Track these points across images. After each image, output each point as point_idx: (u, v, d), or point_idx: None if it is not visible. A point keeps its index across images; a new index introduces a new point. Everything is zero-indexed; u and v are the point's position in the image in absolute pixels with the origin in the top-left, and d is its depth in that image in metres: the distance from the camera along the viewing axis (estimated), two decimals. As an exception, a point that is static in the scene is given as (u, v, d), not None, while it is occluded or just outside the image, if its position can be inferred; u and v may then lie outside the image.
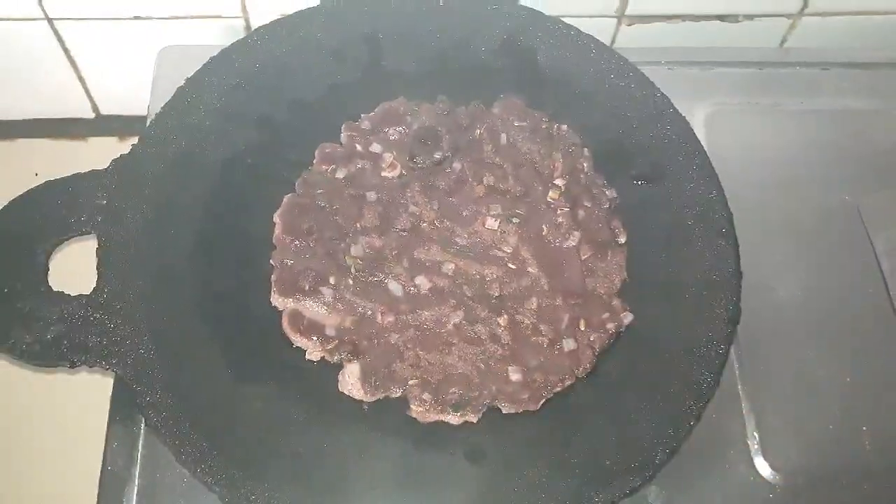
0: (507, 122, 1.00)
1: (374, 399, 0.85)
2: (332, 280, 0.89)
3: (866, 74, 1.19)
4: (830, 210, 1.07)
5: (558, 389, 0.86)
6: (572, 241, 0.93)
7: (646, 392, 0.85)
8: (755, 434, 0.92)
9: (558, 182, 0.97)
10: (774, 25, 1.23)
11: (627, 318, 0.90)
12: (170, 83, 0.98)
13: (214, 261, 0.90)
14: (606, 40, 1.19)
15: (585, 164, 0.99)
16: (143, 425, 0.89)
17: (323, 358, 0.87)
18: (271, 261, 0.90)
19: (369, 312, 0.88)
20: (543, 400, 0.85)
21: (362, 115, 0.99)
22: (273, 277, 0.90)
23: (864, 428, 0.94)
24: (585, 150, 0.99)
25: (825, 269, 1.03)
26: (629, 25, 1.21)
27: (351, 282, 0.90)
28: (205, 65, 0.98)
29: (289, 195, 0.94)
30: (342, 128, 0.98)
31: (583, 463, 0.81)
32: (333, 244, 0.92)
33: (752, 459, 0.91)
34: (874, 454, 0.92)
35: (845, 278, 1.03)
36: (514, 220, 0.94)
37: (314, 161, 0.97)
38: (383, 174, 0.96)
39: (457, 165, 0.97)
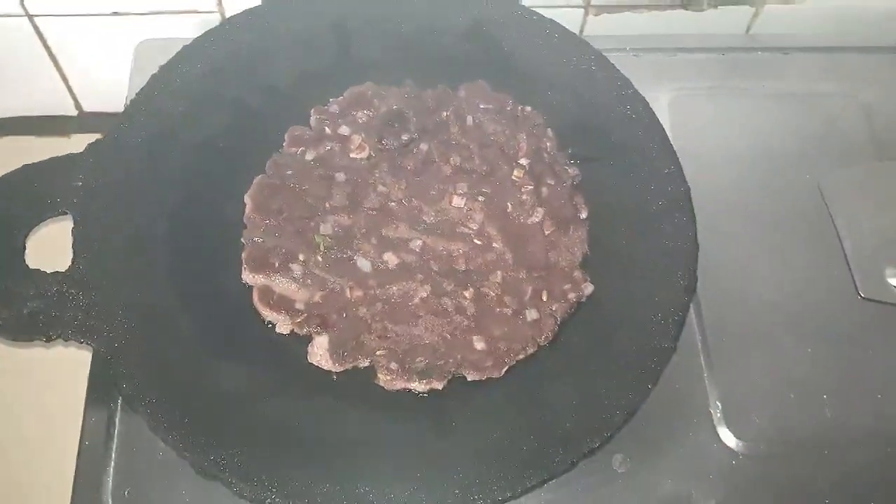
0: (473, 105, 1.02)
1: (342, 369, 0.87)
2: (301, 257, 0.92)
3: (828, 58, 1.21)
4: (794, 192, 1.09)
5: (521, 357, 0.88)
6: (536, 218, 0.96)
7: (606, 358, 0.87)
8: (718, 403, 0.94)
9: (523, 161, 0.99)
10: (739, 13, 1.25)
11: (588, 288, 0.93)
12: (147, 76, 1.00)
13: (188, 240, 0.93)
14: (575, 30, 1.21)
15: (549, 144, 1.01)
16: (120, 401, 0.91)
17: (293, 331, 0.89)
18: (242, 239, 0.93)
19: (338, 287, 0.91)
20: (506, 367, 0.88)
21: (331, 100, 1.02)
22: (243, 255, 0.92)
23: (825, 396, 0.95)
24: (549, 130, 1.02)
25: (789, 247, 1.05)
26: (596, 15, 1.23)
27: (320, 258, 0.92)
28: (178, 53, 1.01)
29: (259, 176, 0.96)
30: (311, 111, 1.01)
31: (544, 426, 0.83)
32: (303, 223, 0.94)
33: (715, 428, 0.93)
34: (835, 422, 0.94)
35: (808, 256, 1.05)
36: (480, 198, 0.97)
37: (284, 144, 0.99)
38: (352, 156, 0.99)
39: (424, 146, 0.99)
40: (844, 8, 1.25)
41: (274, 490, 0.79)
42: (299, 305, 0.90)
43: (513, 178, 0.98)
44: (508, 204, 0.97)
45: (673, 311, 0.88)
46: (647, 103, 1.00)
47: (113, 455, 0.89)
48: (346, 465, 0.82)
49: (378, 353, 0.88)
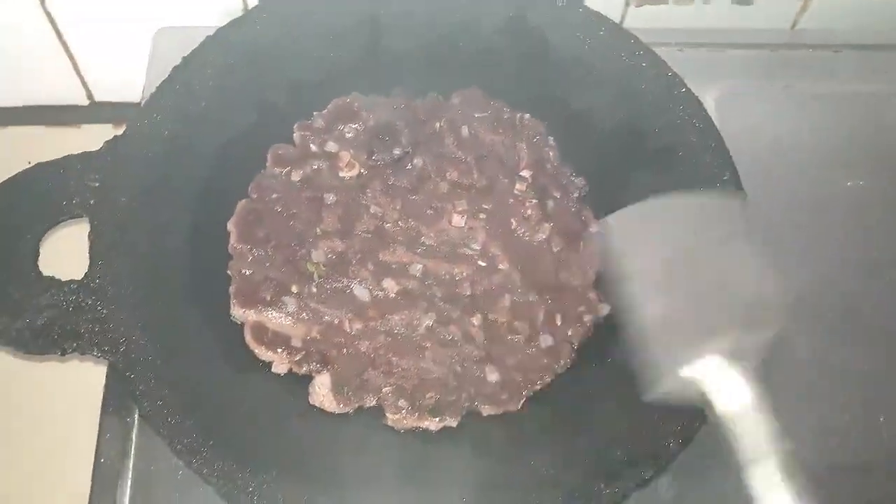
0: (468, 114, 0.97)
1: (347, 410, 0.82)
2: (294, 289, 0.86)
3: (879, 57, 1.17)
4: (844, 195, 1.05)
5: (538, 387, 0.84)
6: (542, 234, 0.92)
7: (658, 380, 0.82)
8: (769, 424, 0.90)
9: (524, 173, 0.95)
10: (786, 6, 1.20)
11: (604, 309, 0.89)
12: (166, 66, 0.95)
13: (210, 246, 0.88)
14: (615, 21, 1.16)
15: (552, 154, 0.97)
16: (136, 416, 0.86)
17: (291, 370, 0.84)
18: (228, 271, 0.87)
19: (336, 320, 0.85)
20: (524, 399, 0.84)
21: (315, 113, 0.96)
22: (231, 289, 0.86)
23: (882, 419, 0.91)
24: (550, 139, 0.98)
25: (839, 255, 1.01)
26: (638, 6, 1.18)
27: (314, 289, 0.87)
28: (201, 44, 0.95)
29: (242, 201, 0.91)
30: (294, 127, 0.95)
31: (593, 453, 0.79)
32: (293, 250, 0.88)
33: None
34: (892, 445, 0.90)
35: (860, 265, 1.01)
36: (482, 215, 0.92)
37: (266, 164, 0.93)
38: (341, 174, 0.93)
39: (418, 161, 0.94)
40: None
41: (306, 521, 0.74)
42: (296, 342, 0.84)
43: (514, 191, 0.94)
44: (512, 220, 0.92)
45: (730, 330, 0.82)
46: (701, 104, 0.95)
47: (129, 473, 0.84)
48: (383, 493, 0.77)
49: (384, 389, 0.83)
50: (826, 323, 0.96)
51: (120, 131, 0.91)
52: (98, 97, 1.28)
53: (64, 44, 1.19)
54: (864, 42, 1.18)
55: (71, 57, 1.21)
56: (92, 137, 0.92)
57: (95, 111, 1.29)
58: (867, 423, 0.91)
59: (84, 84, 1.26)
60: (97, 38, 1.18)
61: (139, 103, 1.01)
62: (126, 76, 1.17)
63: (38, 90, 1.26)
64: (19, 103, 1.26)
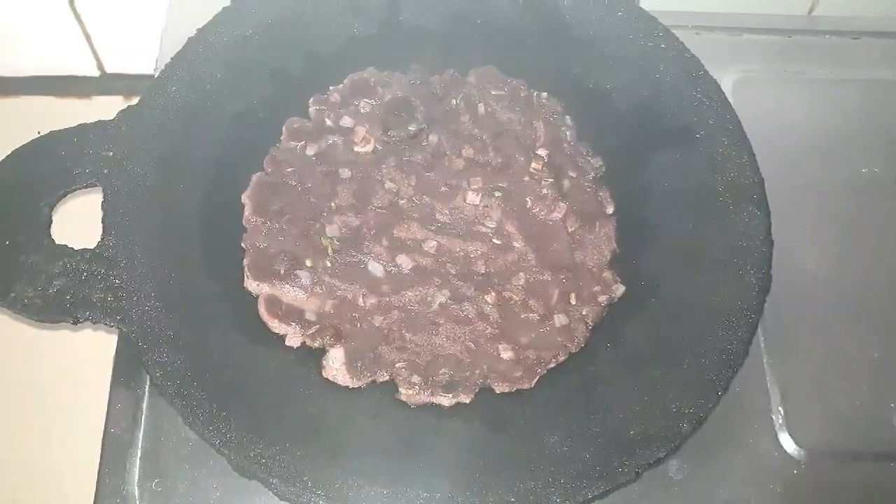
0: (485, 91, 0.97)
1: (360, 384, 0.82)
2: (308, 262, 0.86)
3: (895, 44, 1.16)
4: (858, 181, 1.05)
5: (552, 366, 0.84)
6: (558, 214, 0.91)
7: (672, 360, 0.82)
8: (780, 409, 0.90)
9: (541, 152, 0.94)
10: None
11: (619, 290, 0.89)
12: (180, 37, 0.95)
13: (224, 218, 0.88)
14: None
15: (568, 133, 0.96)
16: (146, 387, 0.86)
17: (304, 343, 0.84)
18: (243, 244, 0.87)
19: (350, 295, 0.85)
20: (538, 377, 0.83)
21: (331, 88, 0.96)
22: (245, 261, 0.86)
23: (893, 405, 0.91)
24: (567, 118, 0.97)
25: (854, 241, 1.01)
26: (655, -12, 1.17)
27: (329, 263, 0.87)
28: (217, 15, 0.95)
29: (257, 174, 0.91)
30: (310, 101, 0.95)
31: (606, 432, 0.78)
32: (307, 224, 0.88)
33: (776, 434, 0.89)
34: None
35: (874, 251, 1.01)
36: (497, 193, 0.92)
37: (282, 137, 0.93)
38: (356, 149, 0.93)
39: (433, 138, 0.94)
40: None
41: (319, 493, 0.74)
42: (310, 316, 0.84)
43: (531, 170, 0.93)
44: (528, 199, 0.92)
45: (746, 311, 0.83)
46: (719, 87, 0.94)
47: (139, 444, 0.84)
48: (396, 467, 0.77)
49: (398, 365, 0.83)
50: (838, 308, 0.96)
51: (131, 103, 0.91)
52: (109, 68, 1.28)
53: (76, 13, 1.18)
54: (879, 29, 1.17)
55: (82, 26, 1.20)
56: (102, 109, 0.92)
57: (106, 82, 1.29)
58: (878, 410, 0.91)
59: (95, 55, 1.25)
60: (110, 8, 1.17)
61: (151, 75, 1.01)
62: (138, 47, 1.16)
63: (49, 60, 1.25)
64: (31, 73, 1.26)
